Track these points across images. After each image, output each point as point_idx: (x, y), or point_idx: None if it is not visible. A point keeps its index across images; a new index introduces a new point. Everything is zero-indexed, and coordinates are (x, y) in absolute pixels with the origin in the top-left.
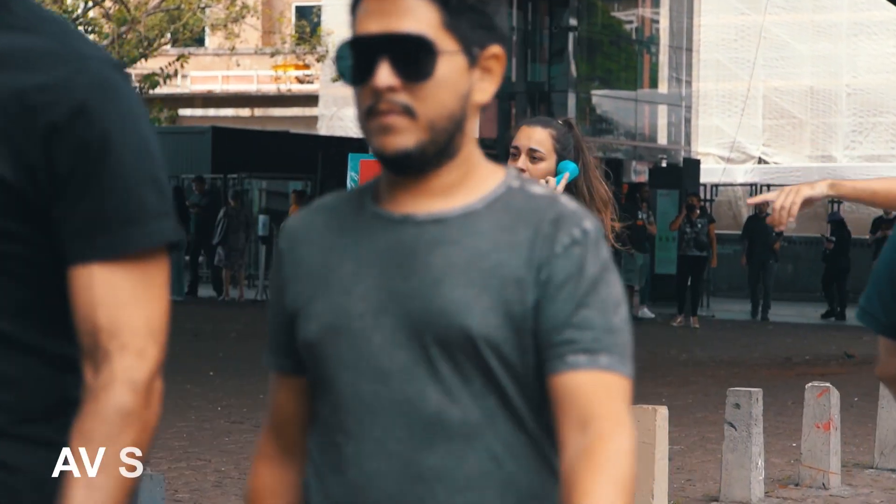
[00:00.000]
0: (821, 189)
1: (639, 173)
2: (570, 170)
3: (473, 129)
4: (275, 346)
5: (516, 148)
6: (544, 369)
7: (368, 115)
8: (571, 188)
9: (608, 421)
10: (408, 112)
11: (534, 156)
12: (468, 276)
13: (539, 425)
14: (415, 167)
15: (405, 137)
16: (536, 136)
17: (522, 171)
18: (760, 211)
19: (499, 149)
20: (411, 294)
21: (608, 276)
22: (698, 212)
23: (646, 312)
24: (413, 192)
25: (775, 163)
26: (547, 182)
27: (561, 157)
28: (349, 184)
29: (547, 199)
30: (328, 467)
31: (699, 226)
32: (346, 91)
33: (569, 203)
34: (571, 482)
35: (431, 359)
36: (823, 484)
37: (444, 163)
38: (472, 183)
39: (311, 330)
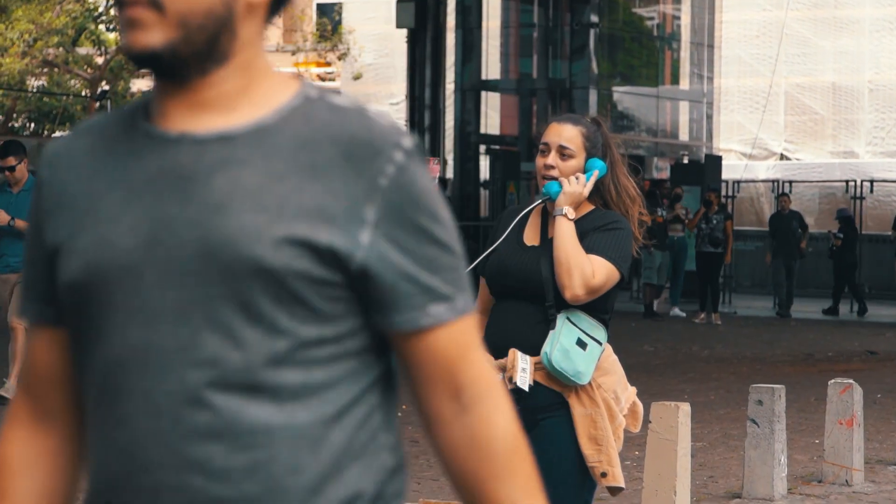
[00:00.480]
0: None
1: (660, 170)
2: (598, 167)
3: (255, 33)
4: (31, 293)
5: (546, 144)
6: (385, 322)
7: (119, 8)
8: (598, 185)
9: (480, 384)
10: (154, 5)
11: (564, 153)
12: (259, 201)
13: (343, 374)
14: (169, 71)
15: (152, 34)
16: (567, 134)
17: (552, 167)
18: (783, 208)
19: (520, 145)
20: (189, 222)
21: (438, 198)
22: (716, 207)
23: (677, 312)
24: (187, 105)
25: (797, 159)
26: (577, 178)
27: (590, 155)
28: None
29: (355, 113)
30: (98, 430)
31: (714, 222)
32: (368, 88)
33: (379, 117)
34: (479, 490)
35: (211, 298)
36: (846, 481)
37: (210, 69)
38: (259, 94)
39: (73, 268)
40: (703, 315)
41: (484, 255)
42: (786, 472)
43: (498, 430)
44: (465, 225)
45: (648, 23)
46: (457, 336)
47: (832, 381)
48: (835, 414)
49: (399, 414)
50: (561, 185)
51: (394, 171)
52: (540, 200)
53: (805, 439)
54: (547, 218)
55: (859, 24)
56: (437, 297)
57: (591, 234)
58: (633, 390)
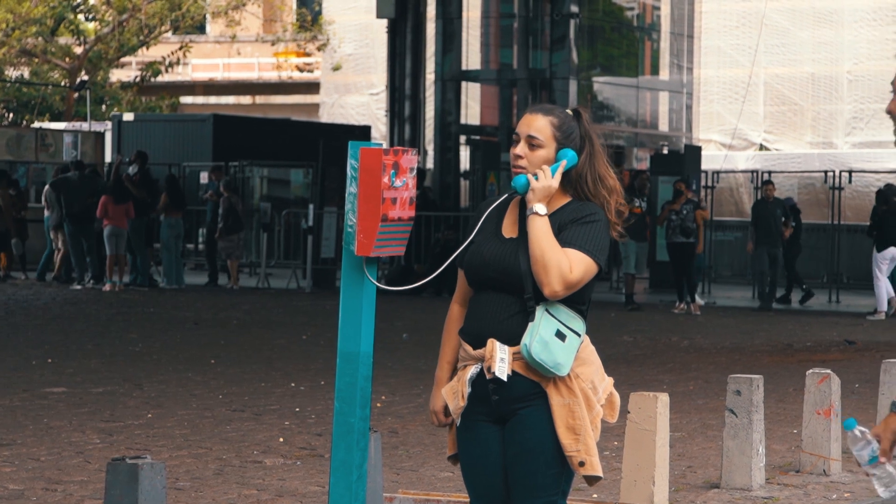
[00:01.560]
0: None
1: (640, 160)
2: (567, 157)
3: None
4: None
5: (517, 134)
6: None
7: None
8: (574, 176)
9: None
10: None
11: (532, 143)
12: None
13: None
14: None
15: None
16: (536, 124)
17: (519, 157)
18: (767, 195)
19: (500, 135)
20: None
21: None
22: (685, 198)
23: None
24: None
25: (776, 149)
26: (543, 171)
27: (561, 145)
28: (349, 172)
29: None
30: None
31: (685, 212)
32: (348, 79)
33: None
34: None
35: None
36: (824, 470)
37: None
38: None
39: None
40: (682, 305)
41: (462, 247)
42: (764, 462)
43: None
44: (446, 215)
45: (628, 13)
46: None
47: (810, 371)
48: (813, 404)
49: (378, 405)
50: (528, 179)
51: None
52: (507, 194)
53: (783, 429)
54: (524, 210)
55: (838, 14)
56: None
57: (567, 227)
58: (609, 381)
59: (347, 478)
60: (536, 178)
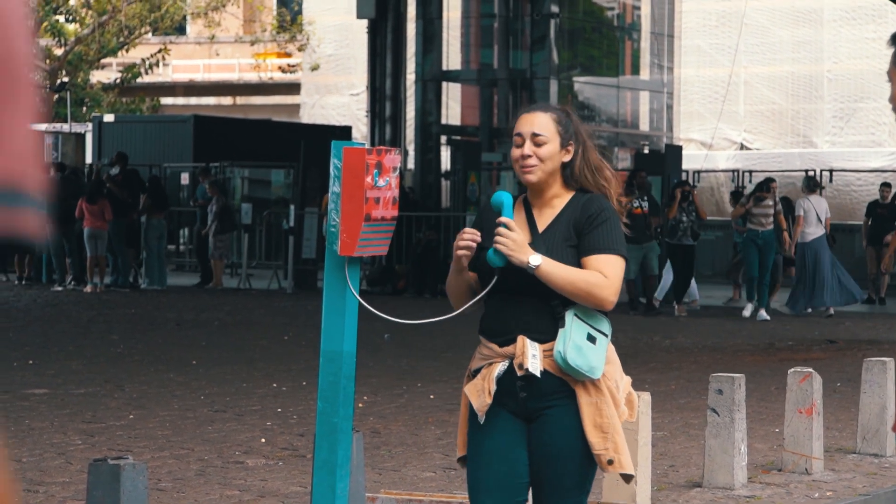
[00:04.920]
0: None
1: (621, 160)
2: (504, 198)
3: None
4: None
5: (519, 135)
6: None
7: None
8: (576, 172)
9: None
10: None
11: (537, 140)
12: None
13: None
14: None
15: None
16: (539, 121)
17: (529, 156)
18: (885, 197)
19: (481, 135)
20: None
21: None
22: (676, 205)
23: (762, 315)
24: None
25: (757, 149)
26: (504, 233)
27: (564, 140)
28: (332, 171)
29: None
30: None
31: (694, 215)
32: (328, 79)
33: None
34: None
35: None
36: (806, 469)
37: None
38: None
39: None
40: (682, 307)
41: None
42: (746, 461)
43: None
44: (427, 216)
45: (609, 13)
46: None
47: (792, 370)
48: (794, 403)
49: (360, 405)
50: (508, 196)
51: None
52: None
53: (765, 428)
54: (531, 210)
55: (818, 13)
56: None
57: (584, 233)
58: (628, 380)
59: (330, 477)
60: (498, 252)
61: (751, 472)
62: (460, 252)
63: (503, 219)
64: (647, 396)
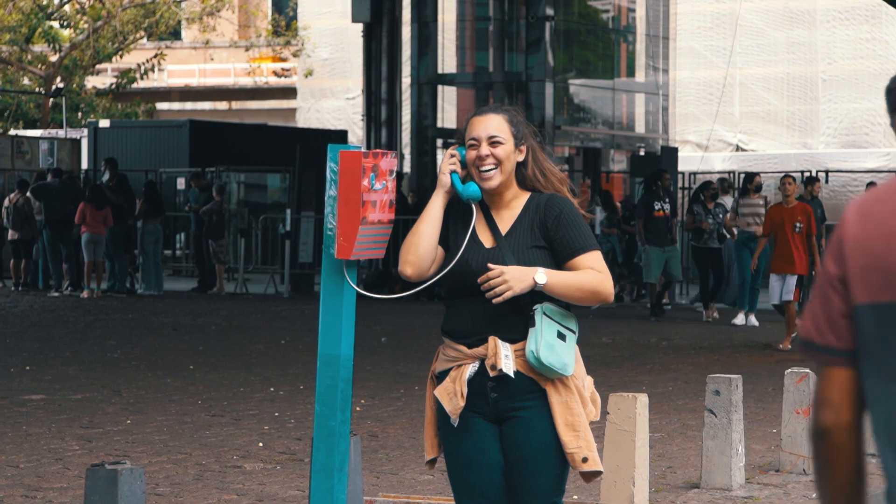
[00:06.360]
0: None
1: (617, 162)
2: (471, 188)
3: None
4: None
5: (475, 139)
6: None
7: None
8: (525, 174)
9: None
10: None
11: (493, 141)
12: None
13: None
14: None
15: None
16: (493, 124)
17: (486, 156)
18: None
19: None
20: None
21: None
22: (712, 203)
23: (752, 321)
24: None
25: (752, 150)
26: (502, 273)
27: (517, 140)
28: (329, 175)
29: None
30: None
31: (721, 217)
32: (324, 83)
33: None
34: None
35: None
36: (804, 469)
37: None
38: None
39: None
40: (713, 311)
41: (451, 264)
42: (743, 462)
43: None
44: None
45: (604, 15)
46: None
47: (789, 370)
48: (792, 403)
49: (358, 409)
50: (471, 182)
51: None
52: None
53: (762, 429)
54: (489, 213)
55: (811, 14)
56: None
57: (555, 236)
58: (591, 379)
59: (328, 481)
60: (502, 289)
61: (748, 473)
62: (445, 173)
63: (490, 267)
64: (644, 398)
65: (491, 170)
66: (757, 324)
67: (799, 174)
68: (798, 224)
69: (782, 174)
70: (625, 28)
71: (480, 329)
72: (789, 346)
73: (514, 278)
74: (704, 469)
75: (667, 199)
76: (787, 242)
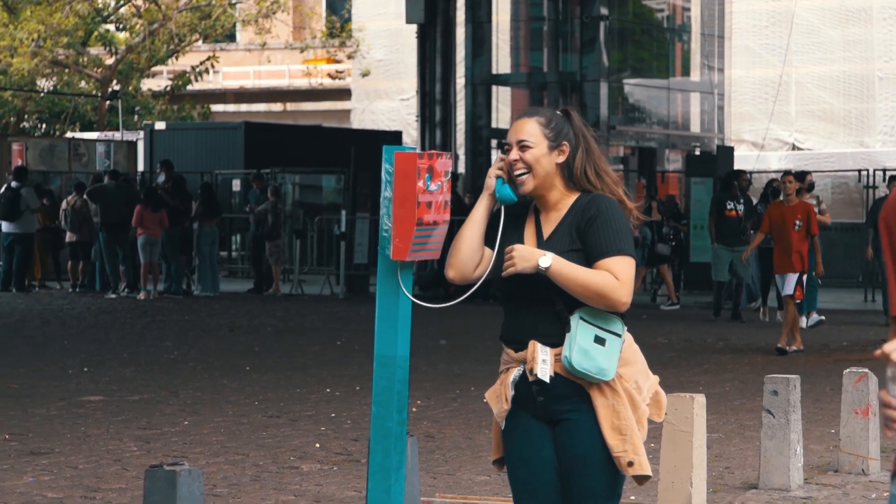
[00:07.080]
0: None
1: (672, 162)
2: (505, 191)
3: None
4: None
5: (508, 144)
6: None
7: None
8: (577, 173)
9: None
10: None
11: (522, 145)
12: None
13: None
14: None
15: None
16: (525, 128)
17: (517, 160)
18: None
19: None
20: None
21: None
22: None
23: (814, 318)
24: None
25: (808, 149)
26: (514, 252)
27: (553, 142)
28: (384, 176)
29: None
30: None
31: None
32: (378, 84)
33: None
34: None
35: None
36: (863, 470)
37: None
38: None
39: None
40: (766, 309)
41: (491, 265)
42: (802, 462)
43: None
44: None
45: (658, 14)
46: None
47: (847, 370)
48: (850, 403)
49: (414, 410)
50: (507, 185)
51: None
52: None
53: (821, 429)
54: (538, 216)
55: (868, 12)
56: None
57: (585, 235)
58: (655, 379)
59: (385, 482)
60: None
61: (807, 474)
62: (491, 177)
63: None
64: (701, 398)
65: (523, 174)
66: (823, 318)
67: (856, 173)
68: (798, 222)
69: (836, 173)
70: (680, 27)
71: (524, 333)
72: (785, 344)
73: (520, 256)
74: (762, 469)
75: (741, 200)
76: (787, 241)
